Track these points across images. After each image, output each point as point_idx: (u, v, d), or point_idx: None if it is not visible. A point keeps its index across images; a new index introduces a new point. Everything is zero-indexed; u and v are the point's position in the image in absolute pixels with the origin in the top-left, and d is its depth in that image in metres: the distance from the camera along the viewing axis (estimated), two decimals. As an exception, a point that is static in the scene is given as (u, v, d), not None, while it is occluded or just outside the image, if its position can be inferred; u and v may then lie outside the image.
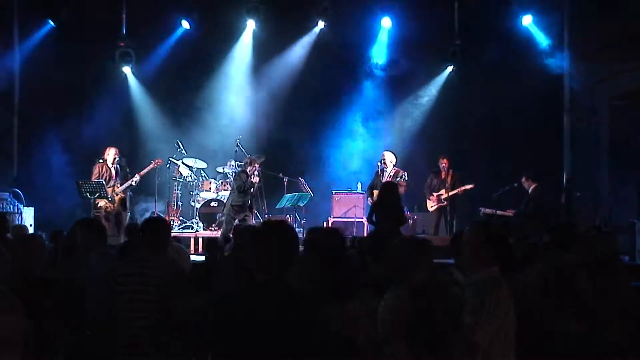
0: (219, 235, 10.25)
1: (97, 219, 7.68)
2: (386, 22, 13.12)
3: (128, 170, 11.31)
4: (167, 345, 4.04)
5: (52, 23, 12.93)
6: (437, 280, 3.76)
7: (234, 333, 2.82)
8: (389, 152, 11.39)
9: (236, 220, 10.36)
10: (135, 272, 4.17)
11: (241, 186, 10.45)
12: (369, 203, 11.16)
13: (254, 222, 10.82)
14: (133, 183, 11.16)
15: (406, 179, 10.94)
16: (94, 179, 10.95)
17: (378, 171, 11.29)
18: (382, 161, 11.27)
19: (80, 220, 5.51)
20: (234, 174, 11.75)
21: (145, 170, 11.34)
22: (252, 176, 10.55)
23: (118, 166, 11.13)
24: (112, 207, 10.90)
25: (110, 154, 11.09)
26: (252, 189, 10.63)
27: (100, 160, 11.21)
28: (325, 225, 11.50)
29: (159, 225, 4.53)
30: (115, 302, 4.10)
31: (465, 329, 3.37)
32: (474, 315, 3.36)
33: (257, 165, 10.62)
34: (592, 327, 4.67)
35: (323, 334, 2.91)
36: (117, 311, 4.08)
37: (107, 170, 11.06)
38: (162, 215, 12.44)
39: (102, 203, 10.87)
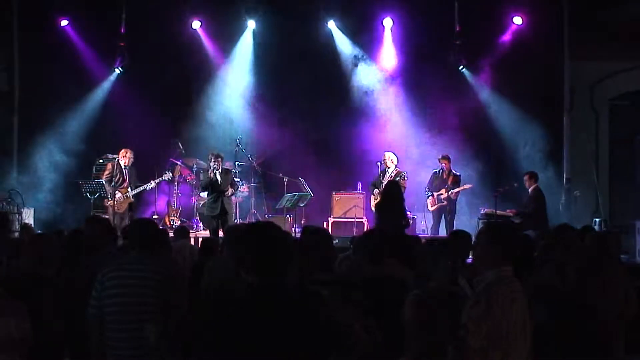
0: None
1: (107, 219, 7.64)
2: (387, 22, 13.13)
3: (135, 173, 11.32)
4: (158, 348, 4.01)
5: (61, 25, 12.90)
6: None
7: (238, 338, 2.75)
8: (391, 153, 11.46)
9: (210, 217, 10.35)
10: (122, 274, 4.12)
11: (202, 184, 10.54)
12: (371, 200, 11.23)
13: (236, 220, 10.94)
14: (148, 188, 11.19)
15: (406, 178, 11.01)
16: (106, 175, 10.99)
17: (380, 171, 11.40)
18: (384, 161, 11.34)
19: (89, 218, 5.45)
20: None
21: (160, 180, 11.33)
22: (213, 172, 10.23)
23: (130, 169, 11.12)
24: (120, 208, 10.89)
25: (127, 156, 11.06)
26: (221, 186, 10.25)
27: (105, 161, 11.19)
28: (324, 225, 11.51)
29: (145, 226, 4.48)
30: (105, 305, 4.06)
31: (460, 329, 3.32)
32: (468, 315, 3.32)
33: (219, 161, 10.26)
34: (587, 327, 4.68)
35: (329, 332, 2.87)
36: (106, 313, 4.05)
37: (119, 171, 11.05)
38: (161, 215, 12.45)
39: (110, 203, 10.86)
